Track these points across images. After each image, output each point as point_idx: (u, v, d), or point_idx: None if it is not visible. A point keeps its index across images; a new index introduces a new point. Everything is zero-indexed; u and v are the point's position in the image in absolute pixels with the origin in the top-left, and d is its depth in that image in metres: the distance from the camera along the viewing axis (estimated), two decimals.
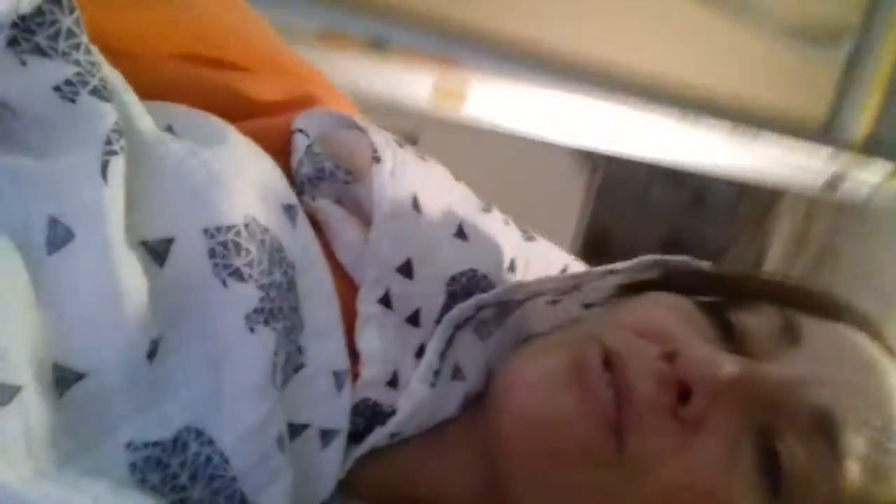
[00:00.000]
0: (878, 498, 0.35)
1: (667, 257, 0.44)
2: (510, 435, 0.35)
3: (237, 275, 0.30)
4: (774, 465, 0.34)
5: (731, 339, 0.37)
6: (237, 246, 0.30)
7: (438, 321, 0.40)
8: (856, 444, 0.34)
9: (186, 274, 0.30)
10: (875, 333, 0.41)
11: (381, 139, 0.39)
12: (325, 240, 0.40)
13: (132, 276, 0.27)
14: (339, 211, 0.40)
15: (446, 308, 0.40)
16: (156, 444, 0.28)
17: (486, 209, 0.44)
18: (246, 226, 0.31)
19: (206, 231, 0.30)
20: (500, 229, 0.44)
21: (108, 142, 0.27)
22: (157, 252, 0.29)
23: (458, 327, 0.41)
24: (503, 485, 0.36)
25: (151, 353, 0.28)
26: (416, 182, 0.40)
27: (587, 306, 0.45)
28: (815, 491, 0.34)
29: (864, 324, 0.42)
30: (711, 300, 0.39)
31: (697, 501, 0.33)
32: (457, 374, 0.41)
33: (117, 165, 0.27)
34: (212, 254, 0.30)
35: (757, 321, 0.38)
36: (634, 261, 0.43)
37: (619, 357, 0.35)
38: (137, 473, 0.27)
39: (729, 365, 0.34)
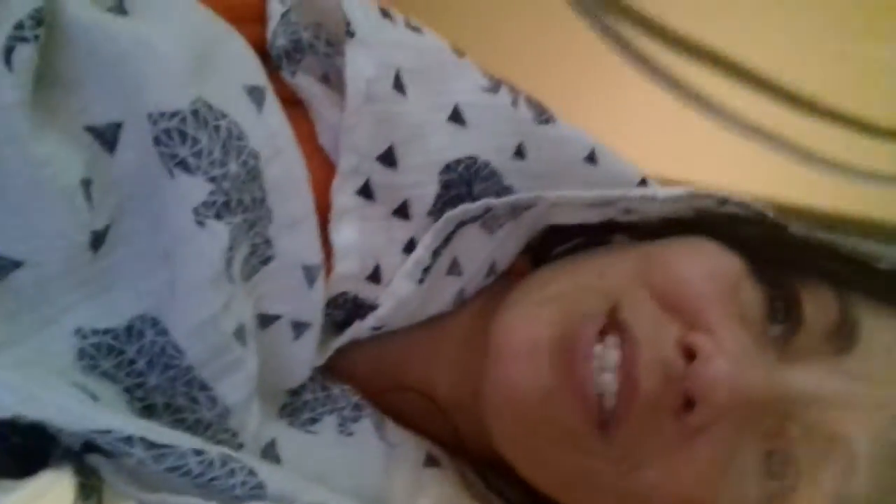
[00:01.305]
0: None
1: (723, 194, 0.38)
2: (493, 403, 0.34)
3: (183, 165, 0.28)
4: (778, 471, 0.33)
5: (781, 327, 0.33)
6: (182, 134, 0.28)
7: (432, 213, 0.38)
8: (864, 479, 0.32)
9: (136, 162, 0.28)
10: None
11: (359, 8, 0.35)
12: (309, 120, 0.37)
13: (53, 165, 0.26)
14: (321, 89, 0.37)
15: (440, 199, 0.38)
16: (107, 331, 0.28)
17: (492, 88, 0.39)
18: (194, 112, 0.29)
19: (149, 116, 0.28)
20: (506, 111, 0.39)
21: (20, 27, 0.25)
22: (105, 138, 0.28)
23: (462, 223, 0.38)
24: (489, 432, 0.36)
25: (96, 243, 0.28)
26: (400, 58, 0.36)
27: (628, 211, 0.41)
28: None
29: None
30: (766, 262, 0.35)
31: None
32: (453, 268, 0.39)
33: (25, 53, 0.25)
34: (157, 141, 0.28)
35: (811, 308, 0.34)
36: (682, 191, 0.38)
37: (632, 337, 0.33)
38: (86, 359, 0.28)
39: (750, 387, 0.31)
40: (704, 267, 0.35)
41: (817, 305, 0.34)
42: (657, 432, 0.32)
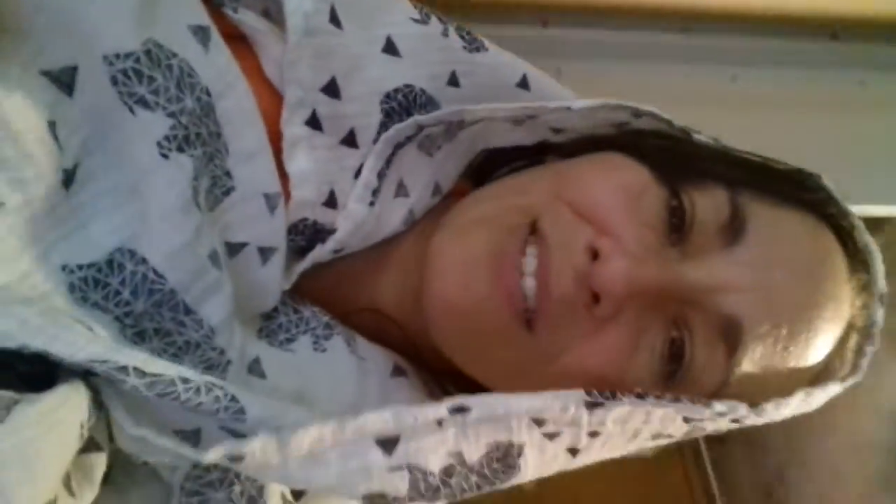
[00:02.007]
0: (762, 393, 0.37)
1: (632, 104, 0.42)
2: (433, 315, 0.38)
3: (143, 103, 0.30)
4: (678, 354, 0.37)
5: (678, 227, 0.37)
6: (138, 73, 0.30)
7: (378, 141, 0.40)
8: (755, 352, 0.36)
9: (95, 102, 0.30)
10: (840, 224, 0.41)
11: None
12: (254, 54, 0.39)
13: (17, 109, 0.27)
14: (263, 23, 0.39)
15: (385, 126, 0.40)
16: (90, 265, 0.30)
17: (422, 19, 0.41)
18: (147, 52, 0.30)
19: (104, 58, 0.29)
20: (437, 41, 0.42)
21: None
22: (62, 81, 0.29)
23: (400, 145, 0.41)
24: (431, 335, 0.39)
25: (67, 182, 0.29)
26: None
27: (557, 130, 0.44)
28: (704, 384, 0.37)
29: (831, 213, 0.41)
30: (671, 170, 0.39)
31: (594, 383, 0.36)
32: (400, 190, 0.42)
33: None
34: (114, 81, 0.29)
35: (706, 209, 0.37)
36: (595, 101, 0.42)
37: (546, 245, 0.37)
38: (77, 293, 0.29)
39: (643, 279, 0.35)
40: (611, 180, 0.39)
41: (711, 205, 0.38)
42: (573, 324, 0.37)
